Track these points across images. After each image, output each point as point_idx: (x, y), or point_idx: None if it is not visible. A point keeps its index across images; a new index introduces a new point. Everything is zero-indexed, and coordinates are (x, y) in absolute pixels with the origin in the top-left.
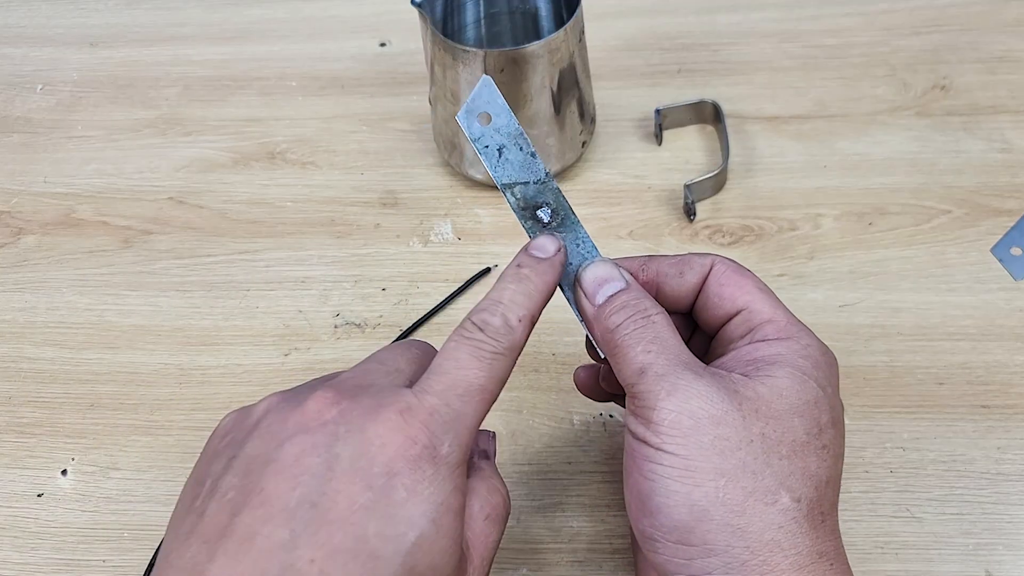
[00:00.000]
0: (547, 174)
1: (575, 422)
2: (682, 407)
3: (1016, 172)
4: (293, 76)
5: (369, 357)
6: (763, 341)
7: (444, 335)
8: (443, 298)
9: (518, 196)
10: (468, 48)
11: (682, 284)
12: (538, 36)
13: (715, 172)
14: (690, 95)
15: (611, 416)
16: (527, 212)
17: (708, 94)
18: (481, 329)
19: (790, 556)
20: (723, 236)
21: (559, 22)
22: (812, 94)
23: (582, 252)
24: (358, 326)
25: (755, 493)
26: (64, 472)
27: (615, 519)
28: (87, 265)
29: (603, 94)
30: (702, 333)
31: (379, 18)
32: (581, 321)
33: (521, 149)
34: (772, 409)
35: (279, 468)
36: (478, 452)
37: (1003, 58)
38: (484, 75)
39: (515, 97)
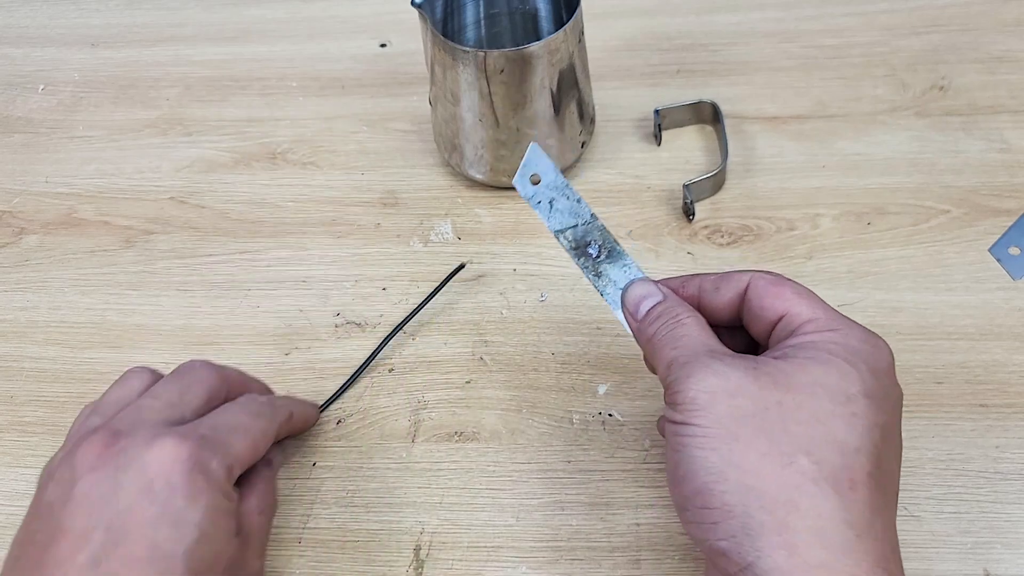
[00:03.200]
0: (592, 215)
1: (574, 421)
2: (699, 385)
3: (1015, 172)
4: (293, 76)
5: (148, 392)
6: (804, 334)
7: (425, 333)
8: (423, 297)
9: (569, 239)
10: (468, 49)
11: (718, 298)
12: (538, 37)
13: (714, 172)
14: (689, 95)
15: (610, 415)
16: (579, 251)
17: (707, 94)
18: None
19: (808, 518)
20: (722, 236)
21: (559, 23)
22: (811, 94)
23: (628, 275)
24: (359, 325)
25: (769, 455)
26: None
27: (614, 517)
28: (88, 265)
29: (603, 94)
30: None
31: (379, 18)
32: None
33: (568, 198)
34: (792, 381)
35: (74, 506)
36: (262, 461)
37: (1002, 58)
38: (532, 143)
39: (514, 98)
